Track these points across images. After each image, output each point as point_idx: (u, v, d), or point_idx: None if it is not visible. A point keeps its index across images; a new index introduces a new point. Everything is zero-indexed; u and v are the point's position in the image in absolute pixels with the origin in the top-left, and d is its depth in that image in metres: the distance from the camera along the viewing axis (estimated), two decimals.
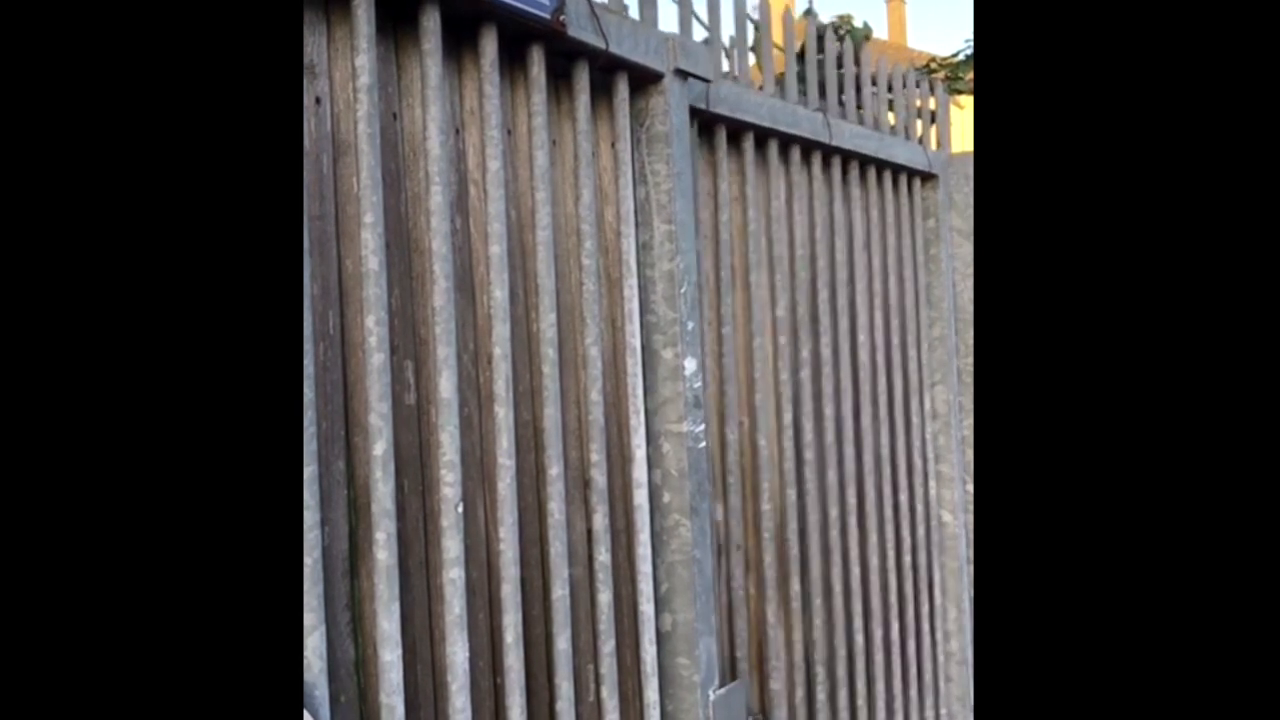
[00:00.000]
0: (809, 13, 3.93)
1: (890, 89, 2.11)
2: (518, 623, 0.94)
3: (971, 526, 2.17)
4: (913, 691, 2.06)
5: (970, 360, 2.23)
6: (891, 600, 1.96)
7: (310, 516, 0.77)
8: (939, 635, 2.21)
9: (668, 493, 1.15)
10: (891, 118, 2.23)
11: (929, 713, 2.13)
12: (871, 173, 1.97)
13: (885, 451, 2.02)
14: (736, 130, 1.43)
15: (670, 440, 1.14)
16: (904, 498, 2.06)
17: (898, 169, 2.05)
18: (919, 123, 2.20)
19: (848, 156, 1.86)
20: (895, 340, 2.05)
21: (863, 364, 1.91)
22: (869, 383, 1.93)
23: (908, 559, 2.04)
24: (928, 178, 2.17)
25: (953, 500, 2.19)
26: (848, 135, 1.81)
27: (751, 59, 1.88)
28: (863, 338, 1.91)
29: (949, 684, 2.22)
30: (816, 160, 1.77)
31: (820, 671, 1.63)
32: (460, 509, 0.90)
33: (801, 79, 1.84)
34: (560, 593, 1.00)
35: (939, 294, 2.18)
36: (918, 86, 2.20)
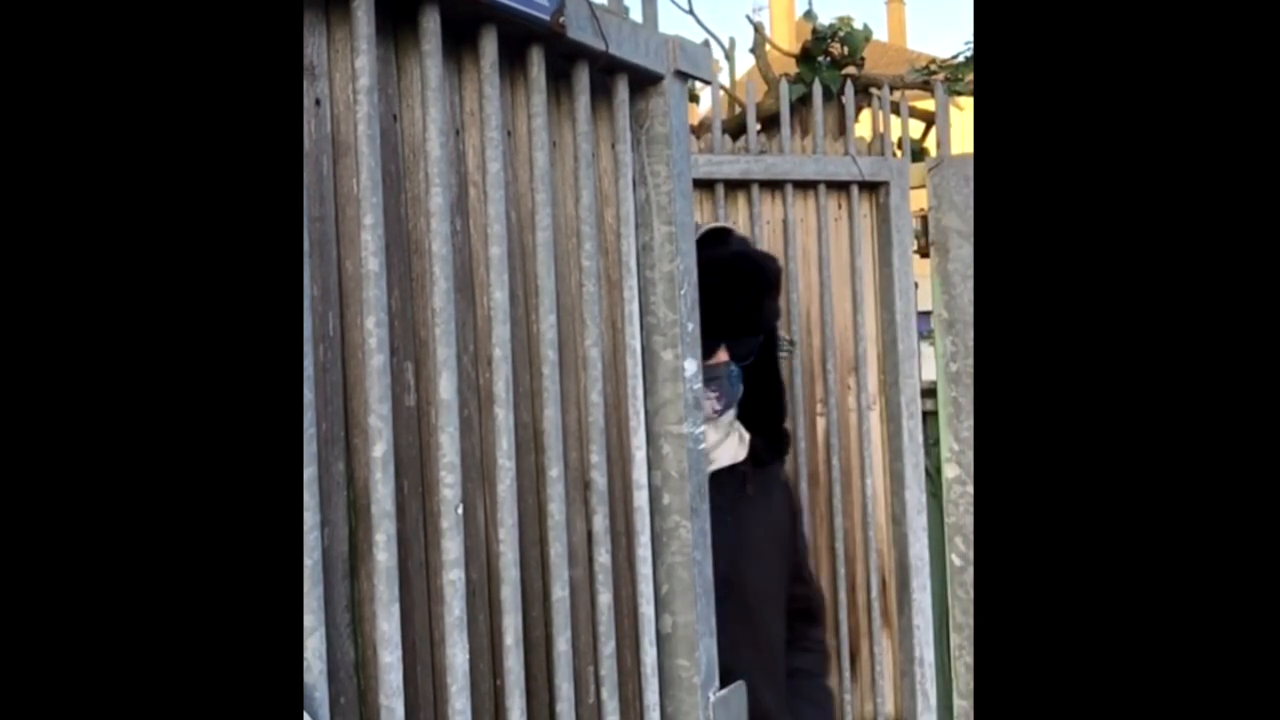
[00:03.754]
0: (809, 14, 3.93)
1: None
2: (518, 624, 0.94)
3: (925, 526, 2.26)
4: None
5: (970, 362, 2.23)
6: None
7: (310, 518, 0.77)
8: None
9: (668, 494, 1.15)
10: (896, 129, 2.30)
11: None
12: (810, 193, 2.15)
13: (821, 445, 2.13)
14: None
15: (670, 442, 1.14)
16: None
17: (834, 185, 2.17)
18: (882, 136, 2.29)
19: (783, 183, 2.10)
20: (837, 345, 2.20)
21: (796, 369, 2.09)
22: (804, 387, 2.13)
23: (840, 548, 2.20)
24: (871, 186, 2.22)
25: (905, 500, 2.26)
26: (781, 165, 2.06)
27: (751, 60, 2.04)
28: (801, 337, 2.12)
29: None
30: (754, 190, 2.03)
31: None
32: (460, 511, 0.89)
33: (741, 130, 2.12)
34: (560, 594, 1.00)
35: (891, 298, 2.23)
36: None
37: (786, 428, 1.52)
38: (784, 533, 1.51)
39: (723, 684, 1.29)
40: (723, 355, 1.38)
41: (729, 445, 1.43)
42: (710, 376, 1.35)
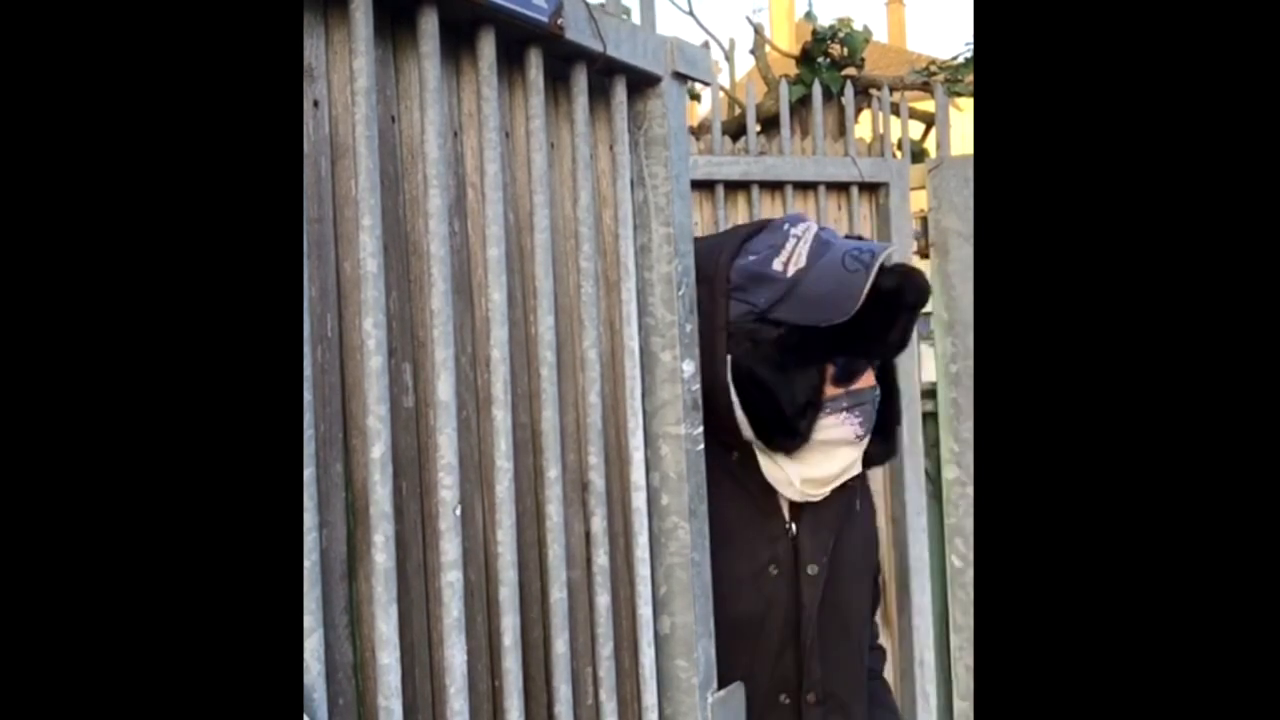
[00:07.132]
0: (809, 15, 3.93)
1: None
2: (516, 626, 0.94)
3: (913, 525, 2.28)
4: None
5: (970, 363, 2.23)
6: None
7: (309, 519, 0.77)
8: None
9: (666, 495, 1.15)
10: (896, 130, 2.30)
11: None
12: (810, 194, 2.16)
13: None
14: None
15: (669, 443, 1.14)
16: None
17: (834, 186, 2.20)
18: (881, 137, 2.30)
19: (782, 184, 2.11)
20: None
21: None
22: None
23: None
24: (871, 187, 2.23)
25: (905, 501, 2.28)
26: (781, 167, 2.08)
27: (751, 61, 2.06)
28: None
29: None
30: (754, 191, 2.05)
31: None
32: (458, 512, 0.89)
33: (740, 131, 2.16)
34: (559, 595, 1.00)
35: None
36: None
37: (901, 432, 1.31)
38: (874, 545, 1.39)
39: (829, 710, 1.29)
40: (871, 379, 1.26)
41: (851, 462, 1.28)
42: (857, 402, 1.24)
